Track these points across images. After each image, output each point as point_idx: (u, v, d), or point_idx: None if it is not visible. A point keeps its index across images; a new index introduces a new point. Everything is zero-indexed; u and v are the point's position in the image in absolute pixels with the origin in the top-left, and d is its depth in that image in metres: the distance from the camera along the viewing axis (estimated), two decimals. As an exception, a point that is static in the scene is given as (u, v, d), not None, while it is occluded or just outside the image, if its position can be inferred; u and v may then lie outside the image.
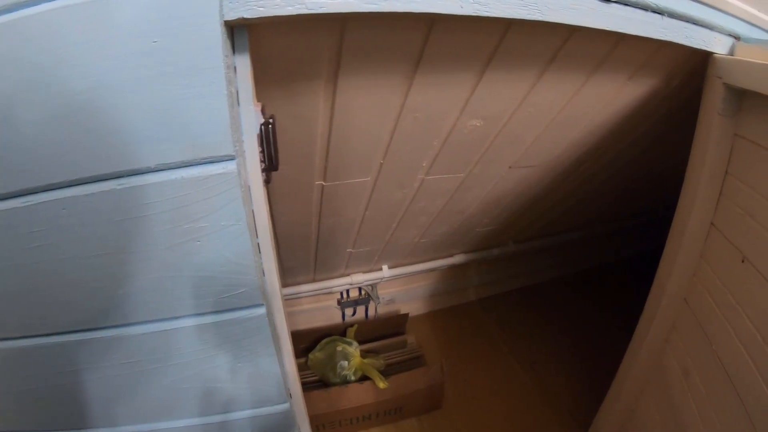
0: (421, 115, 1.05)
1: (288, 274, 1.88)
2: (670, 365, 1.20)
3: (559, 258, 2.69)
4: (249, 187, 0.73)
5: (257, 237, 0.77)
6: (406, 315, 2.13)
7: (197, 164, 0.65)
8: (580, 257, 2.77)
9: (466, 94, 1.02)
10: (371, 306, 2.16)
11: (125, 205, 0.65)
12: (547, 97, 1.11)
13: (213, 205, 0.68)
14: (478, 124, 1.14)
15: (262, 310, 0.79)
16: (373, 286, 2.10)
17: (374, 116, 1.03)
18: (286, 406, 0.94)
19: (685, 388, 1.12)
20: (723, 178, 1.05)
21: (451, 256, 2.21)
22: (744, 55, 0.98)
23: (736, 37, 0.99)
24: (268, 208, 0.80)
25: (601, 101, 1.19)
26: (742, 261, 0.95)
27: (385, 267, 2.05)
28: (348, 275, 2.01)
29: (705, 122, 1.06)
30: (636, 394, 1.35)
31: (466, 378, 2.00)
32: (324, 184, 1.24)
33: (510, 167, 1.43)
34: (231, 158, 0.66)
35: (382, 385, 1.70)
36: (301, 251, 1.69)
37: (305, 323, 2.06)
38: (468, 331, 2.29)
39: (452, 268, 2.31)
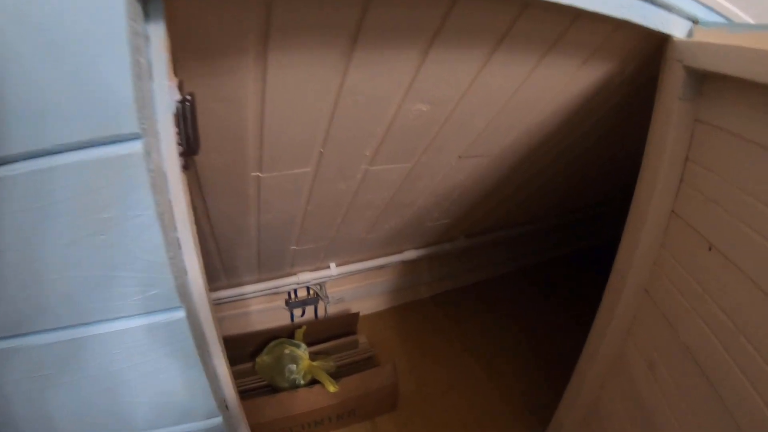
0: (362, 98, 0.98)
1: (232, 273, 1.77)
2: (633, 357, 1.18)
3: (514, 252, 2.69)
4: (165, 174, 0.64)
5: (176, 230, 0.68)
6: (356, 314, 2.05)
7: (99, 144, 0.55)
8: (535, 250, 2.78)
9: (410, 74, 0.95)
10: (320, 306, 2.08)
11: (21, 194, 0.55)
12: (498, 80, 1.06)
13: (118, 192, 0.58)
14: (424, 109, 1.07)
15: (180, 314, 0.69)
16: (322, 285, 2.01)
17: (311, 98, 0.94)
18: (218, 420, 0.84)
19: (651, 379, 1.09)
20: (684, 164, 1.03)
21: (401, 252, 2.14)
22: (702, 38, 0.96)
23: (695, 21, 0.98)
24: (188, 198, 0.70)
25: (554, 87, 1.15)
26: (709, 249, 0.93)
27: (332, 265, 1.97)
28: (294, 274, 1.91)
29: (663, 108, 1.04)
30: (598, 387, 1.33)
31: (421, 377, 1.95)
32: (260, 175, 1.15)
33: (460, 156, 1.38)
34: (136, 137, 0.56)
35: (332, 388, 1.62)
36: (243, 249, 1.58)
37: (252, 325, 1.95)
38: (422, 328, 2.24)
39: (403, 264, 2.26)
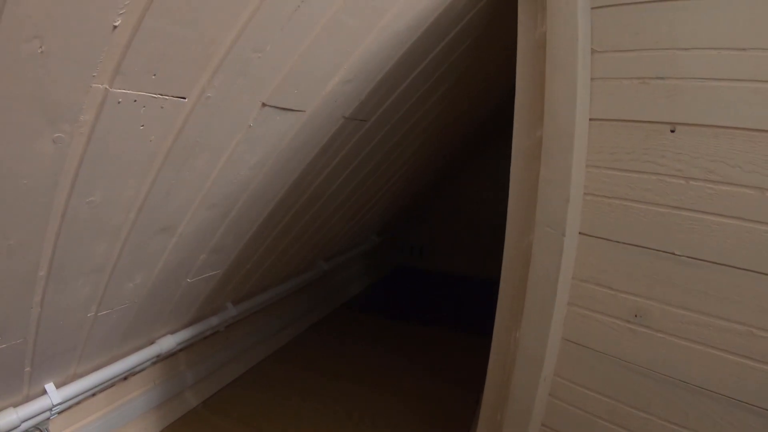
0: None
1: None
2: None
3: (287, 316, 2.38)
4: None
5: None
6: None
7: None
8: (312, 306, 2.53)
9: None
10: (45, 470, 1.25)
11: None
12: None
13: None
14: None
15: None
16: (42, 428, 1.22)
17: None
18: None
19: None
20: None
21: (152, 342, 1.54)
22: None
23: None
24: None
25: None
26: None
27: (50, 386, 1.22)
28: None
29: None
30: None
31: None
32: None
33: (264, 104, 1.02)
34: None
35: None
36: None
37: None
38: None
39: (157, 363, 1.65)
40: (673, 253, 0.91)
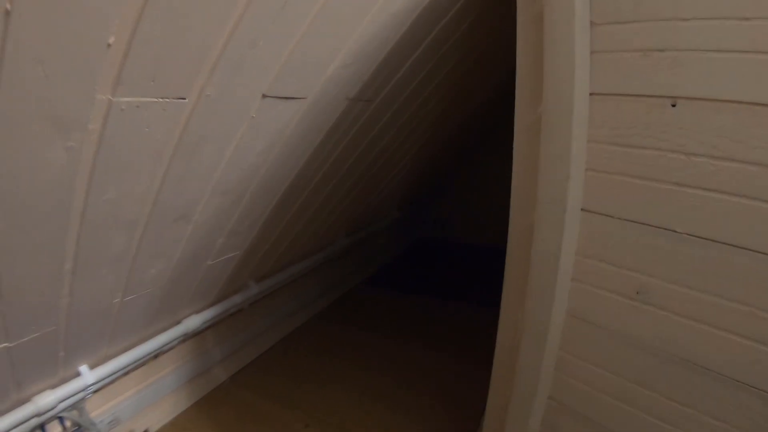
0: None
1: None
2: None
3: (310, 292, 2.46)
4: None
5: None
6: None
7: None
8: (331, 285, 2.61)
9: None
10: (87, 443, 1.36)
11: None
12: None
13: None
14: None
15: None
16: (79, 407, 1.33)
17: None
18: None
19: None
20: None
21: (178, 322, 1.63)
22: None
23: None
24: None
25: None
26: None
27: (83, 369, 1.31)
28: (29, 399, 1.19)
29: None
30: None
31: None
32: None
33: (264, 95, 1.04)
34: None
35: None
36: None
37: None
38: (231, 427, 1.68)
39: (186, 342, 1.73)
40: (675, 231, 0.91)
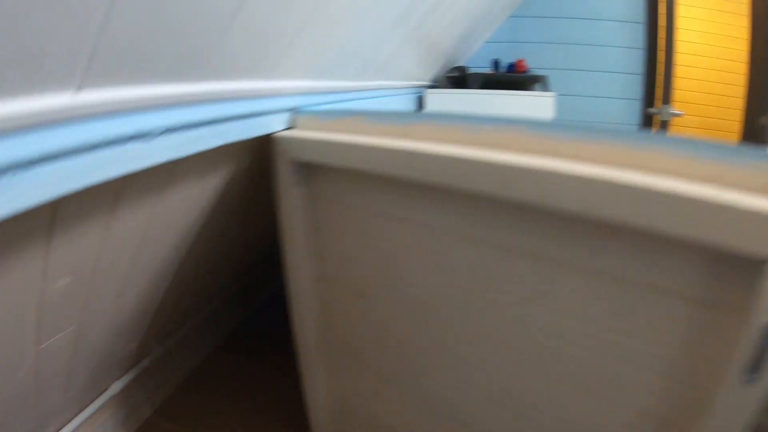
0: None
1: None
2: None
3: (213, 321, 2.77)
4: None
5: None
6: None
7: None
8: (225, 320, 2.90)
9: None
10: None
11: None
12: (127, 226, 1.12)
13: None
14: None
15: None
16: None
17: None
18: None
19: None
20: (316, 234, 1.21)
21: (105, 390, 1.99)
22: (303, 125, 1.07)
23: (295, 111, 1.09)
24: None
25: (185, 206, 1.21)
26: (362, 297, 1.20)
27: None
28: None
29: (284, 194, 1.13)
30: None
31: None
32: None
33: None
34: None
35: None
36: None
37: None
38: None
39: (114, 403, 2.09)
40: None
